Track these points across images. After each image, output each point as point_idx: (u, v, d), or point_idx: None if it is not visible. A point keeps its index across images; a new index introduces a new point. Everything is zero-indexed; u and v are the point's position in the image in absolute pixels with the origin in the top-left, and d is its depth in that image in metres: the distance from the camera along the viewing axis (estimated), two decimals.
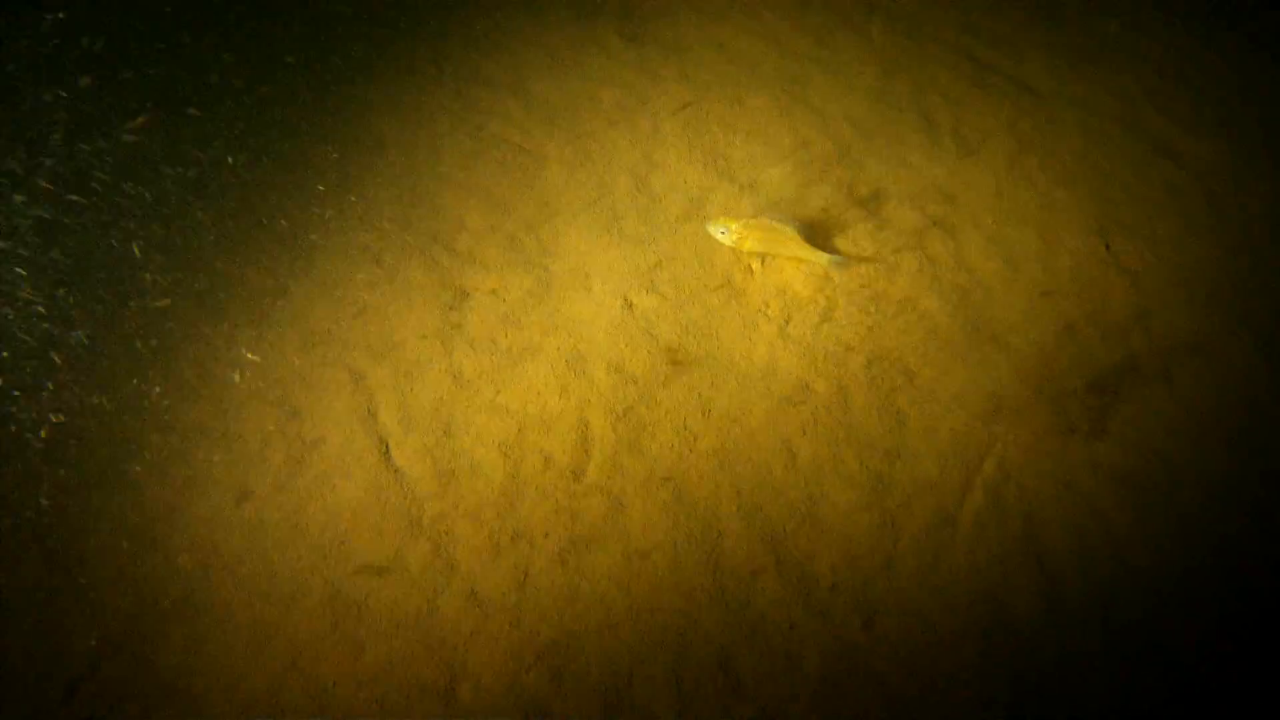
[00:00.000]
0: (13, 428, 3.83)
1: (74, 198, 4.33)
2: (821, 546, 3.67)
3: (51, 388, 3.94)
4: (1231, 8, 5.59)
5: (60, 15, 4.70)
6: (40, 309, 4.06)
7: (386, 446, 3.86)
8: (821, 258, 4.34)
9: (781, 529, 3.70)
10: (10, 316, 4.01)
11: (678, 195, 4.67)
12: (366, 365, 4.08)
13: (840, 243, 4.48)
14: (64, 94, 4.50)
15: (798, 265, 4.37)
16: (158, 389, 4.02)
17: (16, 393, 3.89)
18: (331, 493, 3.76)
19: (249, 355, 4.12)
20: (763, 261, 4.38)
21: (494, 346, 4.14)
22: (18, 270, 4.10)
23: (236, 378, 4.06)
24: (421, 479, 3.79)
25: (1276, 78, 5.20)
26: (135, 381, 4.03)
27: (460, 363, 4.08)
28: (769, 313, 4.25)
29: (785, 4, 5.62)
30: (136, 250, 4.31)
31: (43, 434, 3.83)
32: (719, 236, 4.36)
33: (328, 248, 4.45)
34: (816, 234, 4.48)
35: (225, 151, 4.69)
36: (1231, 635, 3.45)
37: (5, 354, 3.94)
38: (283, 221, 4.53)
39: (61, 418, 3.88)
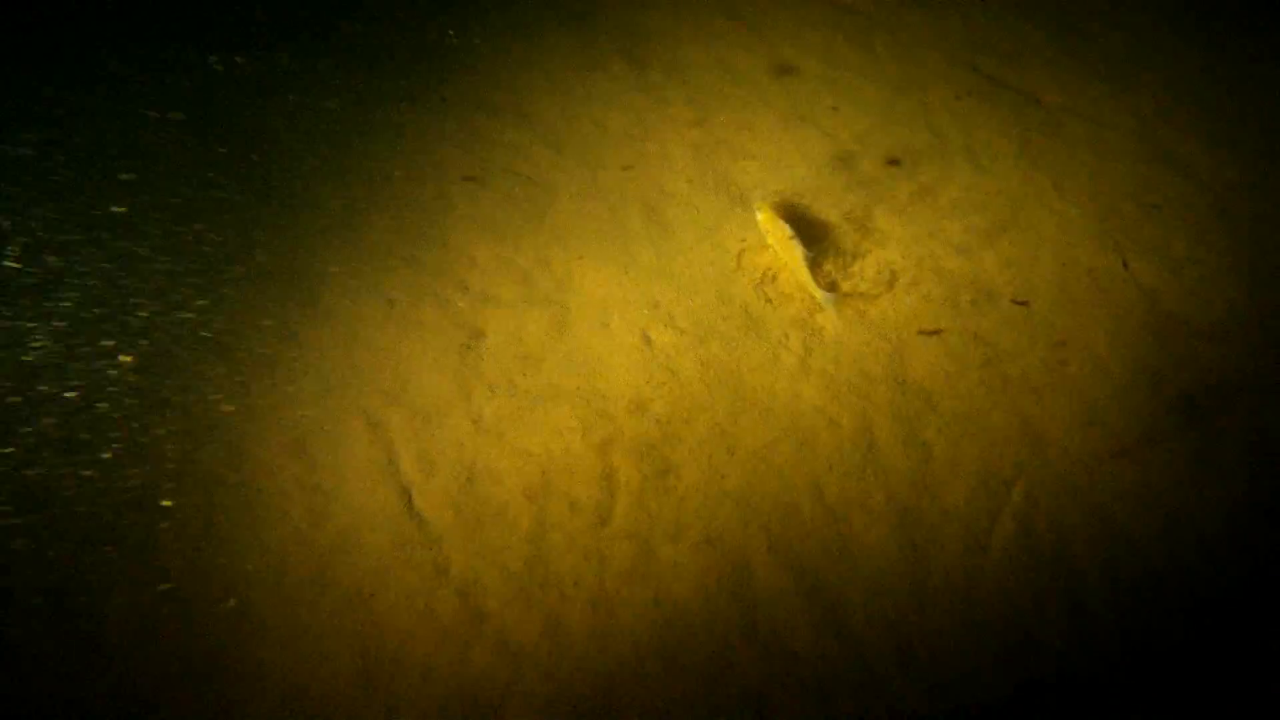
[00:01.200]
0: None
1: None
2: (853, 582, 3.64)
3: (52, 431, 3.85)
4: (1243, 24, 5.56)
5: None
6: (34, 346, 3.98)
7: (409, 495, 3.79)
8: (818, 294, 4.29)
9: (812, 567, 3.66)
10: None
11: (690, 224, 4.60)
12: (384, 411, 3.99)
13: (854, 268, 4.43)
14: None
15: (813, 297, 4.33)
16: (170, 437, 3.92)
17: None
18: (355, 545, 3.69)
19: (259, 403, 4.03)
20: (775, 278, 4.33)
21: (513, 388, 4.06)
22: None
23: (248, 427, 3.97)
24: (446, 528, 3.72)
25: None
26: (139, 426, 3.92)
27: (479, 406, 4.01)
28: (789, 345, 4.19)
29: (787, 23, 5.55)
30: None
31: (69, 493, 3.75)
32: (756, 211, 4.53)
33: (335, 288, 4.34)
34: (826, 260, 4.44)
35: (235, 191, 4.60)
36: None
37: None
38: (286, 264, 4.41)
39: (75, 468, 3.80)
